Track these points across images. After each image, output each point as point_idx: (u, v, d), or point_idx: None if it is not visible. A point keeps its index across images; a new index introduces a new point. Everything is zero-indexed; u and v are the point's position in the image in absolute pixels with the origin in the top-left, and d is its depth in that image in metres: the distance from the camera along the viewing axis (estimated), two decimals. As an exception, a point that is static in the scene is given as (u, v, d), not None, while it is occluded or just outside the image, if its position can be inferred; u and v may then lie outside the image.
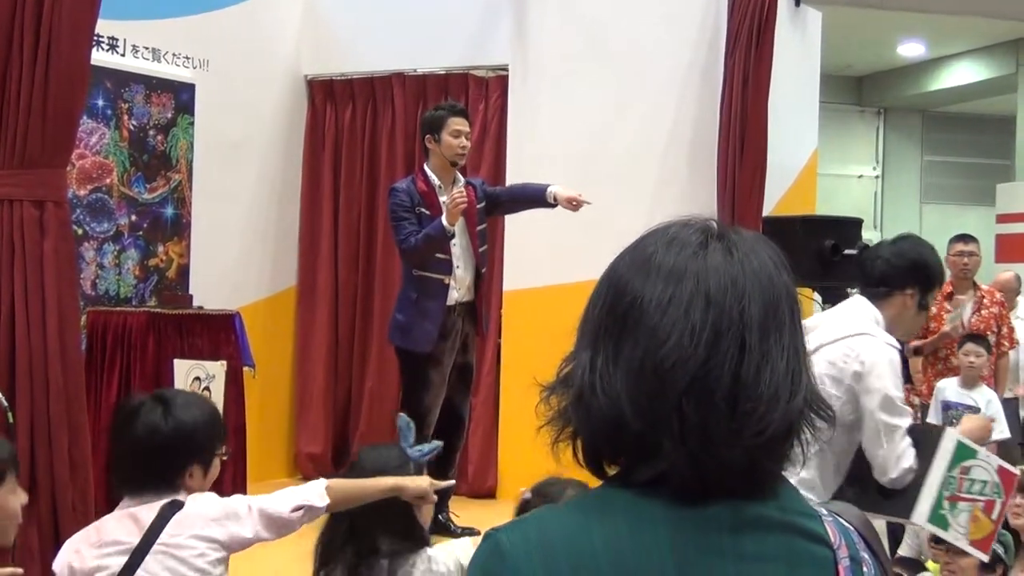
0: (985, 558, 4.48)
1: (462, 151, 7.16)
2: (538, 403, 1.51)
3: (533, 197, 7.27)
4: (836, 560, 1.45)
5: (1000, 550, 5.03)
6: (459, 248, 7.15)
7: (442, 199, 7.10)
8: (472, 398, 7.84)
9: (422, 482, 3.50)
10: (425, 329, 7.05)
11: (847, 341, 4.15)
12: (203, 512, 3.21)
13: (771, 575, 1.41)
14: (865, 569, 1.48)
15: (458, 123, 7.16)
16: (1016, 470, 4.48)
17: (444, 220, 6.87)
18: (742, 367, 1.39)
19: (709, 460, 1.39)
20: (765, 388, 1.39)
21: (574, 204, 7.03)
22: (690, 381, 1.38)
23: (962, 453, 4.14)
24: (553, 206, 7.15)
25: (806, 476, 4.01)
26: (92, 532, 3.26)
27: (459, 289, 7.16)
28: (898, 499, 4.14)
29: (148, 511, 3.19)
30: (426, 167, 7.24)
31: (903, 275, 4.31)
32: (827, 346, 4.15)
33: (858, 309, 4.30)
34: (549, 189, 7.13)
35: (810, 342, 4.21)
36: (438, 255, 7.01)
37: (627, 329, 1.43)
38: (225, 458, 3.50)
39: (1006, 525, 4.90)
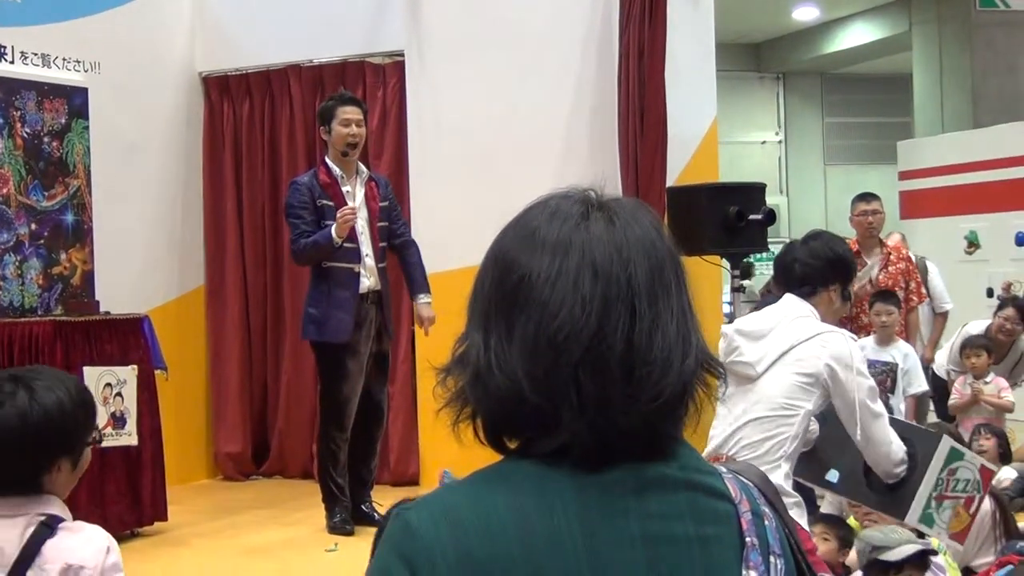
0: (960, 548, 4.70)
1: (353, 139, 7.10)
2: (435, 386, 1.52)
3: (407, 278, 7.47)
4: (739, 514, 1.48)
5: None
6: (365, 237, 7.13)
7: (345, 189, 7.07)
8: (389, 386, 7.81)
9: None
10: (340, 319, 7.02)
11: (819, 338, 4.29)
12: (85, 560, 2.72)
13: (677, 532, 1.43)
14: (767, 522, 1.51)
15: (347, 112, 7.11)
16: (994, 467, 4.84)
17: (333, 231, 6.85)
18: (634, 333, 1.41)
19: (608, 427, 1.41)
20: (658, 352, 1.41)
21: (422, 328, 7.25)
22: (584, 351, 1.40)
23: (952, 456, 4.38)
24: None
25: (787, 468, 4.20)
26: None
27: (369, 277, 7.13)
28: (893, 499, 4.36)
29: (7, 528, 2.74)
30: (327, 158, 7.20)
31: (823, 273, 4.47)
32: (800, 345, 4.29)
33: (801, 308, 4.42)
34: (419, 299, 7.29)
35: (772, 345, 4.32)
36: (346, 244, 6.98)
37: (518, 305, 1.44)
38: (99, 444, 3.11)
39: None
